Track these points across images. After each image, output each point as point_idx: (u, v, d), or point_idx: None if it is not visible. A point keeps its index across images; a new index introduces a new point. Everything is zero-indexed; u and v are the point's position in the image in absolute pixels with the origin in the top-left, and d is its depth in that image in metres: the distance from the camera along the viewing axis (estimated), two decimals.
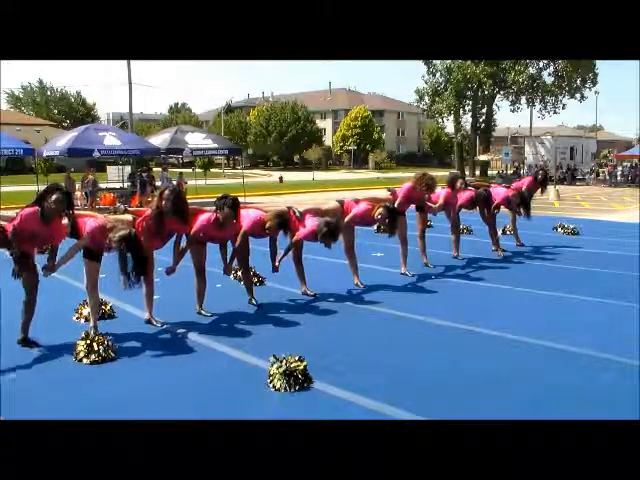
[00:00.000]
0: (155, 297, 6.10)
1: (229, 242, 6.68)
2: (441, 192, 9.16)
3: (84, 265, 5.58)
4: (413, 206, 8.89)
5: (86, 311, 5.97)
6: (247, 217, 6.62)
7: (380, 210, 7.54)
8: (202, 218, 6.22)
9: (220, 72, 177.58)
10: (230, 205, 6.15)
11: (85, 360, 5.00)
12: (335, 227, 6.74)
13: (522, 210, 10.48)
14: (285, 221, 6.63)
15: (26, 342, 5.36)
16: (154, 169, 25.90)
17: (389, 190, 8.63)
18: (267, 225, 6.55)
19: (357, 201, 7.84)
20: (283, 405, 4.26)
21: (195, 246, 6.24)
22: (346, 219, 7.49)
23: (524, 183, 11.52)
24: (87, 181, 20.37)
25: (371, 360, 5.14)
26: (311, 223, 6.85)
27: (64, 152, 19.19)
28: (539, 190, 11.54)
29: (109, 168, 32.25)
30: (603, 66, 66.82)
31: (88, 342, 5.09)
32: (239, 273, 7.40)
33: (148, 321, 6.03)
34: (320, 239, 6.68)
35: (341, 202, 7.76)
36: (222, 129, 60.14)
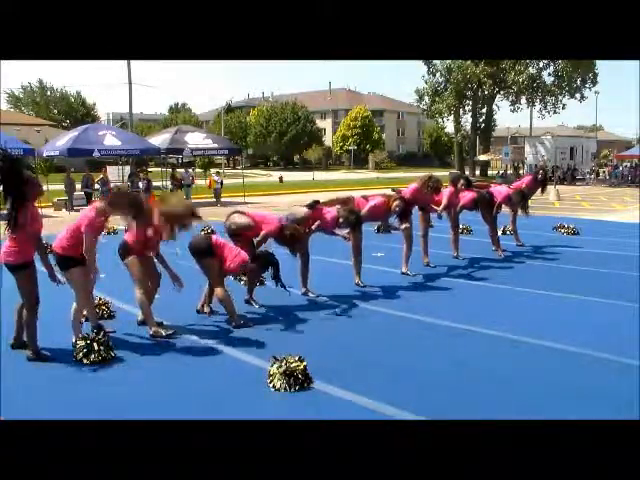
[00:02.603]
0: (157, 296, 6.08)
1: None
2: (444, 192, 9.17)
3: (72, 274, 5.40)
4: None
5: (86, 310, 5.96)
6: (271, 221, 6.76)
7: (397, 202, 7.72)
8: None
9: (220, 72, 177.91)
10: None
11: (85, 360, 5.01)
12: (359, 214, 7.07)
13: (522, 209, 10.53)
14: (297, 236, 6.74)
15: (39, 357, 5.15)
16: (153, 169, 25.80)
17: (394, 190, 8.63)
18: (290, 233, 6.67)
19: (366, 198, 7.90)
20: (283, 405, 4.26)
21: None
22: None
23: (524, 182, 11.56)
24: (99, 180, 20.34)
25: (371, 360, 5.14)
26: (331, 214, 7.05)
27: (64, 152, 19.21)
28: (539, 190, 11.58)
29: (109, 168, 32.27)
30: (603, 66, 66.88)
31: (88, 342, 5.09)
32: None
33: (142, 323, 6.04)
34: (342, 222, 6.98)
35: (351, 199, 7.83)
36: (222, 129, 60.11)
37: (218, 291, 6.14)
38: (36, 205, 5.11)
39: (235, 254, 6.13)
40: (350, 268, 7.83)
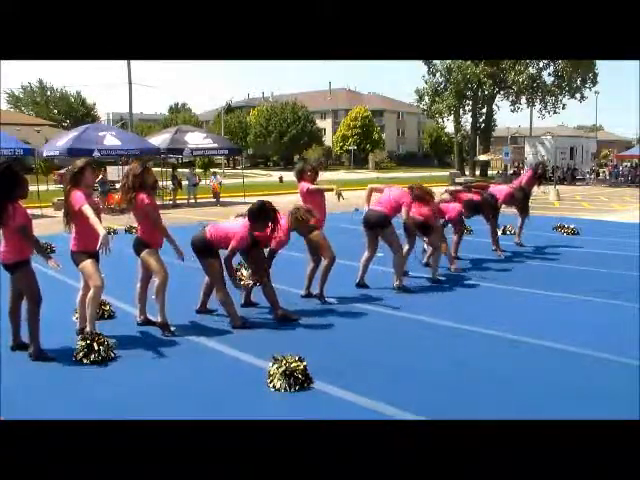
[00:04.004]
0: (152, 297, 6.08)
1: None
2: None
3: (89, 267, 5.49)
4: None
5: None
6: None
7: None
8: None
9: (220, 72, 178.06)
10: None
11: (85, 360, 5.01)
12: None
13: (522, 210, 10.53)
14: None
15: (41, 355, 5.14)
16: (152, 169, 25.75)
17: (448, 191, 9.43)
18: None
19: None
20: (283, 405, 4.26)
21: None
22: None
23: (523, 179, 11.59)
24: (98, 180, 20.23)
25: (371, 360, 5.14)
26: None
27: (64, 152, 19.20)
28: (536, 185, 11.57)
29: (109, 168, 32.29)
30: (603, 66, 66.86)
31: (88, 342, 5.09)
32: (239, 273, 7.37)
33: (142, 323, 6.14)
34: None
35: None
36: (222, 129, 60.08)
37: (218, 292, 6.13)
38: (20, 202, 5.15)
39: (233, 233, 6.02)
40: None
